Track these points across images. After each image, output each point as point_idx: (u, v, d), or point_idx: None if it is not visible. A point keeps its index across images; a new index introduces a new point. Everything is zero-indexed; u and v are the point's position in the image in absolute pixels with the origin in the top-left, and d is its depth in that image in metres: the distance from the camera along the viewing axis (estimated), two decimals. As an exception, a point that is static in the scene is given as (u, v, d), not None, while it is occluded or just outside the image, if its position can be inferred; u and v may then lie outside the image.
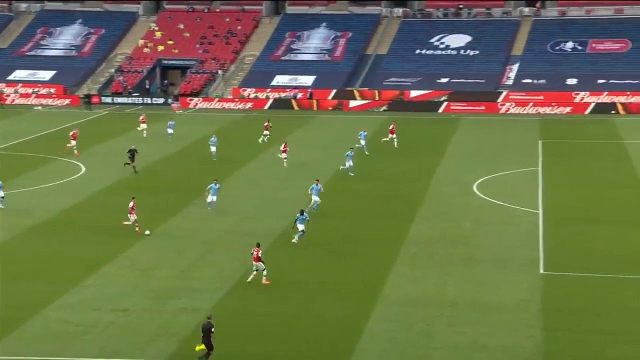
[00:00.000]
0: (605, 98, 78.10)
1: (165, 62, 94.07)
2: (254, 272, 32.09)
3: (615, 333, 27.42)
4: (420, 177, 50.36)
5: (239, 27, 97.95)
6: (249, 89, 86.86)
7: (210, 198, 41.18)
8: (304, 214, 36.69)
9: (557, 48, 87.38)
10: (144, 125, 65.00)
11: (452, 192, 46.64)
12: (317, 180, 42.65)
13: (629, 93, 78.07)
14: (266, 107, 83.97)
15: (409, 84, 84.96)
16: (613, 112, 75.54)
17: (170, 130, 63.41)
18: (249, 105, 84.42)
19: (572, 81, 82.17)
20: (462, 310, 29.51)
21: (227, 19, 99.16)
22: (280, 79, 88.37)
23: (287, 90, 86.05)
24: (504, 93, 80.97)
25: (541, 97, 79.37)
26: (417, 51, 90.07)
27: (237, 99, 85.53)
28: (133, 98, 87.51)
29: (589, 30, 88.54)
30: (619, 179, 49.42)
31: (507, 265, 34.30)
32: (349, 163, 50.18)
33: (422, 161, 55.20)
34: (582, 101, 78.39)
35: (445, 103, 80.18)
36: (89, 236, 38.63)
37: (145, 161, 54.65)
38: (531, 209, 42.69)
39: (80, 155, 57.25)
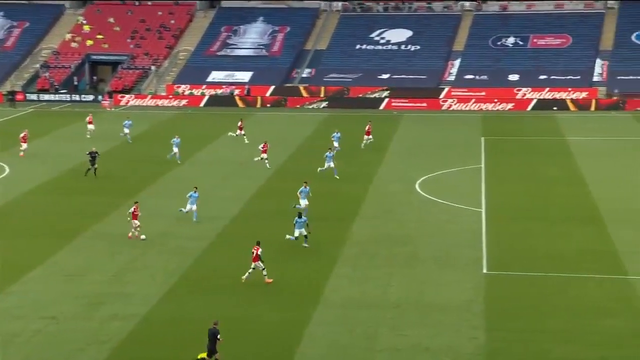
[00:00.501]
0: (547, 94, 79.59)
1: (95, 57, 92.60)
2: (250, 271, 32.00)
3: (559, 332, 27.88)
4: (362, 176, 50.52)
5: (173, 21, 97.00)
6: (183, 86, 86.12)
7: (189, 207, 40.07)
8: (302, 217, 36.26)
9: (499, 43, 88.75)
10: (91, 127, 63.54)
11: (394, 191, 46.90)
12: (306, 183, 42.34)
13: (570, 89, 79.69)
14: (202, 104, 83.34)
15: (350, 80, 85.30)
16: (555, 108, 77.02)
17: (126, 130, 61.98)
18: (184, 102, 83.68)
19: (514, 77, 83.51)
20: (404, 311, 29.66)
21: (160, 13, 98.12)
22: (216, 75, 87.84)
23: (224, 87, 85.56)
24: (446, 89, 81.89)
25: (483, 94, 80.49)
26: (358, 46, 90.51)
27: (171, 96, 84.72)
28: (60, 95, 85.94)
29: (530, 25, 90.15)
30: (562, 177, 50.38)
31: (450, 265, 34.63)
32: (328, 164, 49.33)
33: (364, 159, 55.41)
34: (524, 97, 79.75)
35: (387, 100, 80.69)
36: (14, 240, 37.74)
37: (74, 161, 53.69)
38: (474, 207, 43.20)
39: (4, 156, 55.93)
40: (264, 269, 32.10)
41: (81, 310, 29.71)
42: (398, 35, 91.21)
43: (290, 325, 28.40)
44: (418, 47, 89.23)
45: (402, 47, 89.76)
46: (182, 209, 40.27)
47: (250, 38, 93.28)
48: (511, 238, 37.99)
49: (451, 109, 79.11)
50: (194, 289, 31.86)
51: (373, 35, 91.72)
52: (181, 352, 26.48)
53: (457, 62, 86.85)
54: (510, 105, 78.44)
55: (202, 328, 28.28)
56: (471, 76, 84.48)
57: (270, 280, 32.07)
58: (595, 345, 26.81)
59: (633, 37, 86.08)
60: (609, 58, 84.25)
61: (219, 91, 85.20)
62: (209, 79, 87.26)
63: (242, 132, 61.48)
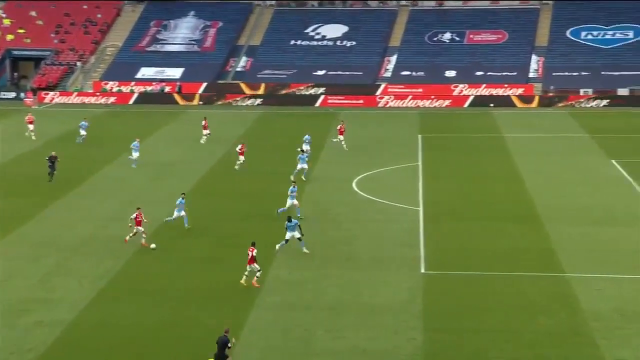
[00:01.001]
0: (483, 91, 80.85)
1: (16, 52, 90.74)
2: (247, 274, 31.83)
3: (497, 331, 28.37)
4: (298, 175, 50.51)
5: (99, 15, 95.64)
6: (111, 82, 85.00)
7: (176, 214, 39.07)
8: (292, 220, 35.80)
9: (435, 39, 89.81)
10: (31, 127, 62.01)
11: (330, 190, 47.07)
12: (294, 183, 42.35)
13: (506, 85, 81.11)
14: (131, 101, 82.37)
15: (285, 76, 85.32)
16: (492, 105, 78.29)
17: (82, 132, 60.58)
18: (112, 99, 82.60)
19: (450, 73, 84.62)
20: (341, 313, 29.80)
21: (85, 6, 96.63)
22: (146, 72, 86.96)
23: (154, 83, 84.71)
24: (383, 86, 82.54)
25: (420, 90, 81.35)
26: (292, 42, 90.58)
27: (98, 93, 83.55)
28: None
29: (466, 21, 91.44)
30: (499, 174, 51.25)
31: (387, 266, 34.91)
32: (301, 166, 48.78)
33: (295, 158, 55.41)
34: (461, 94, 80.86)
35: (323, 97, 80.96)
36: None
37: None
38: (412, 206, 43.64)
39: None
40: (259, 270, 31.93)
41: (3, 318, 29.10)
42: (333, 30, 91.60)
43: (223, 331, 28.24)
44: (354, 43, 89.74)
45: (338, 43, 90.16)
46: (169, 218, 39.08)
47: (181, 33, 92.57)
48: (449, 237, 38.49)
49: (388, 106, 79.77)
50: (124, 293, 31.49)
51: (308, 30, 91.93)
52: (109, 358, 26.16)
53: (393, 59, 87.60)
54: (447, 102, 79.45)
55: (133, 333, 28.00)
56: (408, 72, 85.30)
57: (258, 285, 31.84)
58: (532, 344, 27.35)
59: (568, 33, 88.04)
60: (545, 54, 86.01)
61: (149, 88, 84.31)
62: (139, 76, 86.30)
63: (208, 132, 60.38)
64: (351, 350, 27.02)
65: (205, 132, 60.55)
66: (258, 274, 31.97)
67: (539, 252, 36.46)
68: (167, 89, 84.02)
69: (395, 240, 38.23)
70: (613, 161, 53.86)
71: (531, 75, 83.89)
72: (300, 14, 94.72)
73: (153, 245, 36.34)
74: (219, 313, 29.76)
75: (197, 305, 30.40)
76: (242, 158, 51.55)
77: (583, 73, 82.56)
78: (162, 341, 27.56)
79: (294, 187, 41.72)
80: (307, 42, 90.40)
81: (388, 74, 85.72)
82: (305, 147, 53.85)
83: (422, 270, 34.19)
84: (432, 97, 79.78)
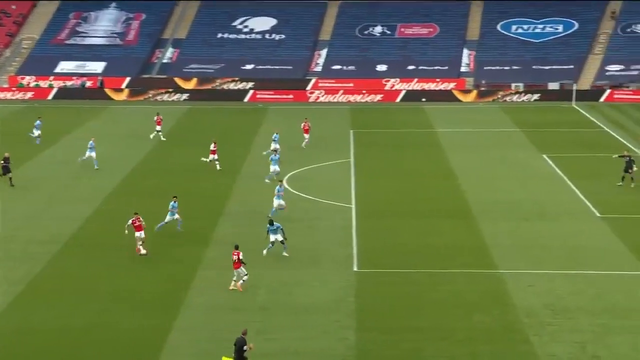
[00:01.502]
0: (415, 85, 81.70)
1: None
2: (235, 279, 31.51)
3: (431, 329, 28.75)
4: (226, 172, 50.38)
5: (14, 7, 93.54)
6: (28, 77, 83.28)
7: (169, 218, 38.18)
8: (274, 223, 35.29)
9: (366, 32, 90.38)
10: None
11: (260, 187, 47.04)
12: (281, 182, 42.17)
13: (438, 80, 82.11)
14: (50, 97, 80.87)
15: (212, 70, 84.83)
16: (424, 99, 79.16)
17: (36, 132, 58.63)
18: (30, 94, 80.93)
19: (382, 67, 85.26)
20: (272, 314, 29.83)
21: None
22: (65, 66, 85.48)
23: (74, 78, 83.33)
24: (313, 80, 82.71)
25: (351, 85, 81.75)
26: (219, 35, 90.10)
27: (14, 88, 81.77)
28: None
29: (397, 14, 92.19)
30: (432, 170, 51.86)
31: (320, 264, 35.05)
32: (274, 167, 47.84)
33: (227, 154, 55.22)
34: (393, 88, 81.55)
35: (251, 91, 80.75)
36: None
37: None
38: (344, 203, 43.89)
39: None
40: (246, 274, 31.60)
41: None
42: (262, 23, 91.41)
43: (151, 333, 28.04)
44: (283, 36, 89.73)
45: (267, 36, 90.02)
46: (163, 223, 38.23)
47: (102, 26, 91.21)
48: (382, 234, 38.81)
49: (319, 100, 79.97)
50: (44, 298, 30.93)
51: (235, 23, 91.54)
52: (30, 366, 25.71)
53: (324, 52, 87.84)
54: (379, 97, 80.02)
55: (55, 339, 27.51)
56: (339, 66, 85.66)
57: (242, 289, 31.59)
58: (465, 342, 27.80)
59: (499, 27, 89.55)
60: (476, 48, 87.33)
61: (69, 83, 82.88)
62: (57, 70, 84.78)
63: (159, 128, 59.51)
64: (282, 351, 27.08)
65: (157, 128, 59.66)
66: (245, 277, 31.68)
67: (472, 249, 37.05)
68: (89, 83, 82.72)
69: (327, 238, 38.38)
70: (544, 156, 55.03)
71: (463, 69, 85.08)
72: (228, 6, 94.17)
73: (144, 252, 35.29)
74: (147, 314, 29.49)
75: (123, 307, 30.04)
76: (214, 156, 50.36)
77: (514, 67, 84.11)
78: (86, 345, 27.17)
79: (280, 186, 41.47)
80: (235, 35, 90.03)
81: (319, 68, 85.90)
82: (275, 146, 52.93)
83: (355, 269, 34.43)
84: (364, 91, 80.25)
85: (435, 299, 31.35)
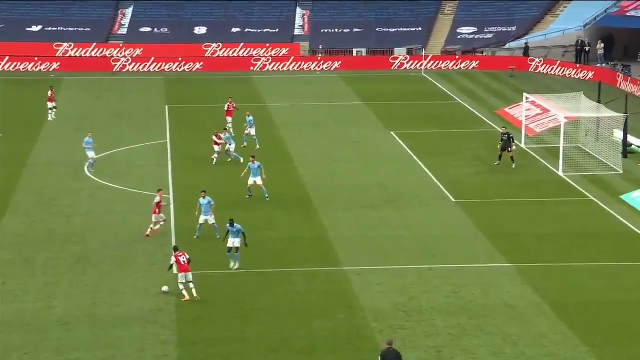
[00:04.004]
0: (241, 51, 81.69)
1: None
2: (182, 287, 31.50)
3: (262, 340, 28.90)
4: (10, 158, 48.98)
5: None
6: None
7: (204, 219, 37.88)
8: (235, 225, 34.12)
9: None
10: None
11: (55, 176, 46.10)
12: (253, 158, 43.17)
13: (268, 45, 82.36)
14: None
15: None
16: (252, 68, 79.35)
17: None
18: None
19: (200, 30, 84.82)
20: (74, 329, 29.35)
21: None
22: None
23: None
24: (119, 46, 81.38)
25: (165, 51, 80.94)
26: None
27: None
28: None
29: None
30: (263, 152, 52.02)
31: (131, 267, 34.71)
32: (230, 146, 48.87)
33: (9, 137, 53.59)
34: (215, 55, 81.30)
35: (36, 58, 78.46)
36: None
37: None
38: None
39: None
40: (190, 281, 31.49)
41: None
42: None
43: None
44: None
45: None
46: (199, 227, 37.71)
47: None
48: (202, 230, 38.61)
49: (125, 70, 78.76)
50: None
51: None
52: None
53: (129, 12, 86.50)
54: (198, 65, 79.65)
55: None
56: (148, 29, 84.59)
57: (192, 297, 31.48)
58: (305, 352, 28.17)
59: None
60: (311, 7, 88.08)
61: None
62: None
63: (54, 104, 58.10)
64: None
65: (50, 105, 58.18)
66: (190, 284, 31.66)
67: (311, 243, 37.59)
68: None
69: (139, 235, 38.06)
70: (392, 133, 56.43)
71: (296, 32, 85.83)
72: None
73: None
74: None
75: None
76: (217, 148, 49.14)
77: (355, 30, 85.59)
78: None
79: (253, 162, 42.51)
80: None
81: (123, 31, 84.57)
82: (250, 130, 52.61)
83: (175, 271, 34.17)
84: (180, 59, 79.68)
85: (268, 304, 31.59)
